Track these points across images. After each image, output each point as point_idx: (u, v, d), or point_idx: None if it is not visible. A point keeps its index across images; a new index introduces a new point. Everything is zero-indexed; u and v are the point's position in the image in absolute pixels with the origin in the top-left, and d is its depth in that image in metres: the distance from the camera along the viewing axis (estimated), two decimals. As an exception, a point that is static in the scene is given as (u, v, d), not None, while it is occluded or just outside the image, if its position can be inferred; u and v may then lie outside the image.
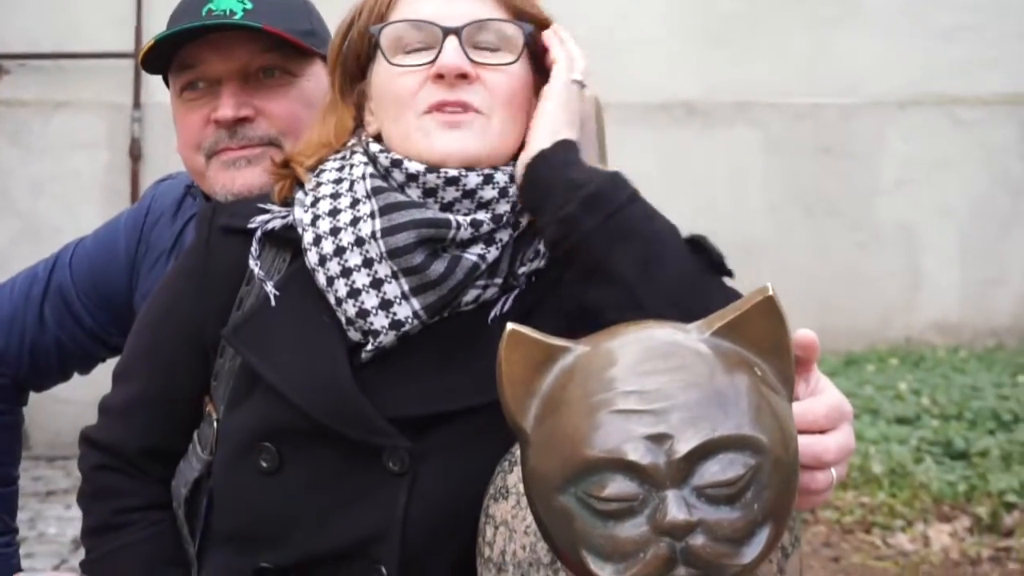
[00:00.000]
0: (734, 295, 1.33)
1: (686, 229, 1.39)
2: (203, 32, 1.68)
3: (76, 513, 4.75)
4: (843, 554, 3.71)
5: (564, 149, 1.36)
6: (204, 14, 1.68)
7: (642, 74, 6.98)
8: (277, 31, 1.67)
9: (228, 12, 1.68)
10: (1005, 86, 7.68)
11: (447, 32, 1.36)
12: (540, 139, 1.37)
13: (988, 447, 4.63)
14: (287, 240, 1.42)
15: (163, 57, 1.74)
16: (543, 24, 1.45)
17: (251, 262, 1.41)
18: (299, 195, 1.42)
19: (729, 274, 1.39)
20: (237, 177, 1.69)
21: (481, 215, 1.36)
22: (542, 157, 1.35)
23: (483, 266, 1.36)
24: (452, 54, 1.35)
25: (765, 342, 1.07)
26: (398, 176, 1.37)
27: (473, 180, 1.36)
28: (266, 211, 1.43)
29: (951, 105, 7.74)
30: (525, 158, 1.37)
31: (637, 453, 1.00)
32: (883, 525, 3.93)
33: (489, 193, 1.37)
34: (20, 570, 1.88)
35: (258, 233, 1.42)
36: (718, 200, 7.07)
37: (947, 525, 3.87)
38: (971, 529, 3.85)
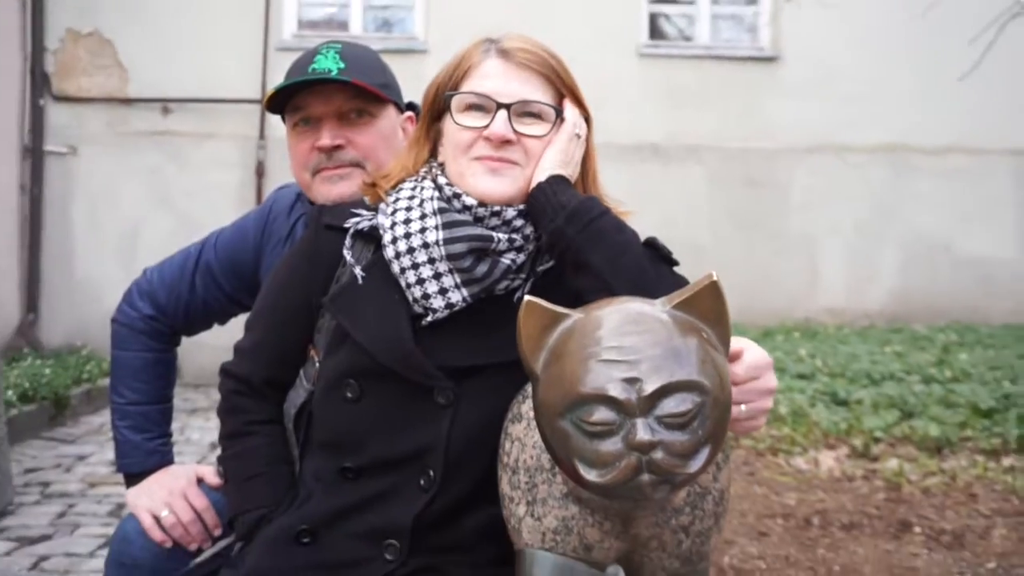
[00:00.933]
0: (679, 279, 1.34)
1: (646, 235, 1.40)
2: (309, 84, 1.68)
3: (213, 425, 4.80)
4: (756, 471, 3.70)
5: (555, 181, 1.36)
6: (310, 71, 1.68)
7: (619, 123, 6.95)
8: (363, 84, 1.66)
9: (327, 70, 1.67)
10: (882, 138, 7.65)
11: (500, 106, 1.35)
12: (539, 175, 1.37)
13: (862, 397, 4.62)
14: (371, 237, 1.41)
15: (281, 101, 1.73)
16: (573, 87, 1.43)
17: (345, 251, 1.41)
18: (382, 205, 1.42)
19: (675, 263, 1.40)
20: (333, 189, 1.68)
21: (514, 235, 1.36)
22: (539, 188, 1.36)
23: (514, 267, 1.36)
24: (500, 125, 1.35)
25: (711, 314, 1.07)
26: (457, 204, 1.36)
27: (510, 213, 1.36)
28: (357, 215, 1.43)
29: (843, 151, 7.71)
30: (530, 188, 1.37)
31: (616, 391, 1.00)
32: (786, 451, 3.92)
33: (520, 221, 1.37)
34: (173, 462, 1.88)
35: (351, 231, 1.42)
36: (675, 217, 7.06)
37: (832, 452, 3.87)
38: (849, 455, 3.84)
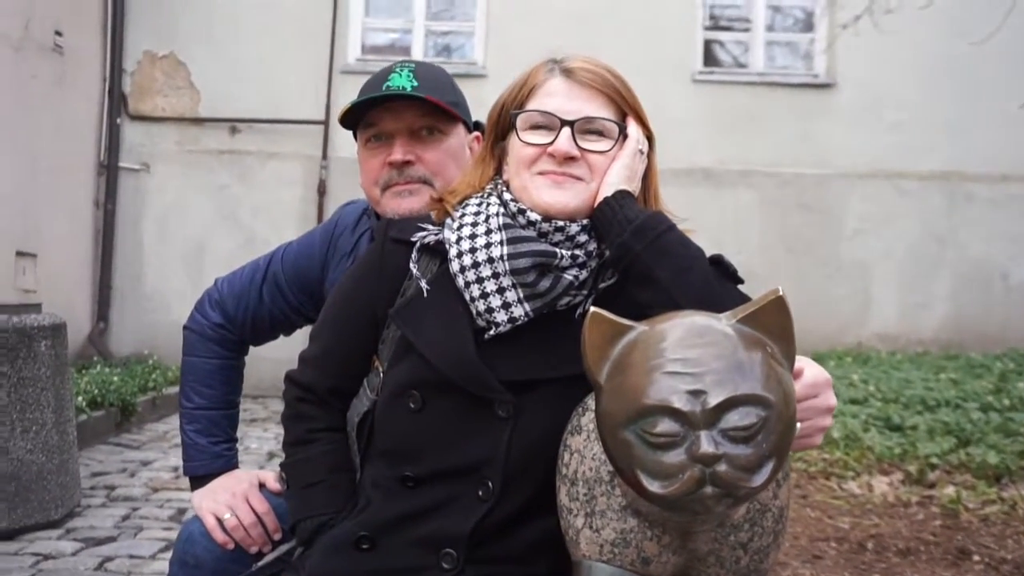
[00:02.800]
0: (743, 297, 1.31)
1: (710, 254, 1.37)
2: (383, 101, 1.69)
3: (271, 435, 4.84)
4: (809, 494, 3.62)
5: (621, 196, 1.35)
6: (384, 88, 1.69)
7: (673, 148, 6.91)
8: (435, 100, 1.67)
9: (402, 87, 1.68)
10: (935, 165, 7.52)
11: (563, 123, 1.35)
12: (605, 190, 1.36)
13: (917, 423, 4.50)
14: (437, 251, 1.41)
15: (354, 118, 1.75)
16: (636, 107, 1.42)
17: (411, 265, 1.41)
18: (448, 220, 1.42)
19: (740, 281, 1.37)
20: (402, 204, 1.69)
21: (577, 251, 1.35)
22: (606, 202, 1.34)
23: (576, 283, 1.35)
24: (564, 142, 1.35)
25: (775, 328, 1.05)
26: (521, 219, 1.36)
27: (574, 229, 1.35)
28: (424, 229, 1.43)
29: (896, 178, 7.57)
30: (596, 203, 1.36)
31: (680, 402, 0.98)
32: (839, 475, 3.83)
33: (583, 237, 1.36)
34: (238, 467, 1.89)
35: (417, 244, 1.42)
36: (726, 241, 6.98)
37: (886, 477, 3.77)
38: (903, 481, 3.74)
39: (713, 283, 1.30)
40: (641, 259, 1.30)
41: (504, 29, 7.38)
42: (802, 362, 1.22)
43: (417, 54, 7.71)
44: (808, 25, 7.90)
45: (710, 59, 7.90)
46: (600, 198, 1.35)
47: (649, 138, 1.43)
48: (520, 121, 1.39)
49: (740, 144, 7.53)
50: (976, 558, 2.86)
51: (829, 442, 4.14)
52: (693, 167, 7.35)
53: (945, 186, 7.54)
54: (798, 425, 1.19)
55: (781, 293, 1.05)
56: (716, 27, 7.99)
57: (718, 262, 1.36)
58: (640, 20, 7.43)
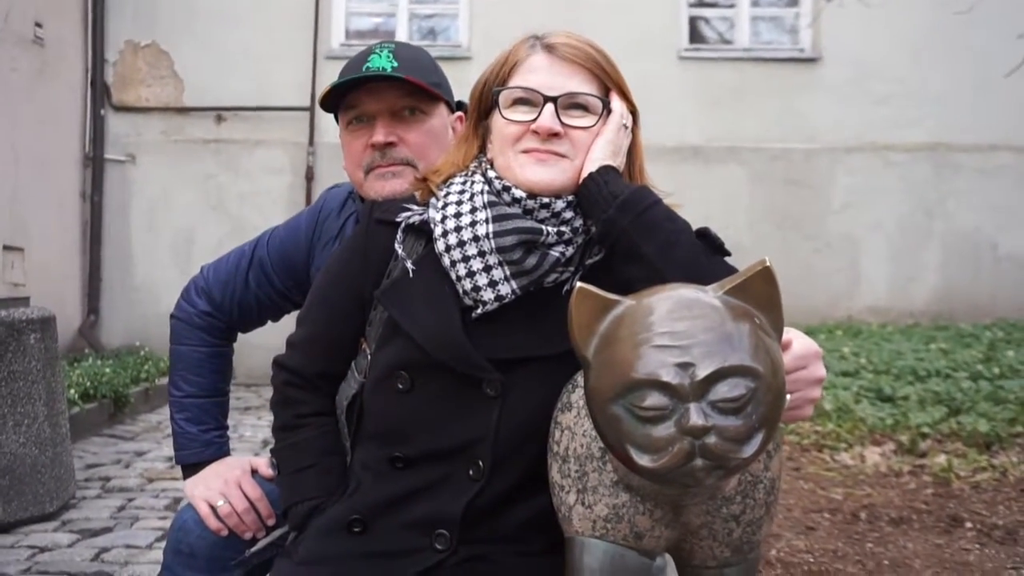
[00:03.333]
0: (730, 269, 1.30)
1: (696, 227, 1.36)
2: (364, 82, 1.67)
3: (265, 423, 4.85)
4: (801, 466, 3.64)
5: (605, 171, 1.33)
6: (365, 69, 1.67)
7: (660, 126, 6.91)
8: (416, 81, 1.65)
9: (381, 68, 1.66)
10: (921, 137, 7.52)
11: (547, 99, 1.34)
12: (590, 165, 1.34)
13: (908, 393, 4.52)
14: (422, 231, 1.39)
15: (335, 101, 1.73)
16: (620, 83, 1.40)
17: (397, 246, 1.39)
18: (432, 200, 1.40)
19: (727, 253, 1.36)
20: (386, 186, 1.67)
21: (563, 227, 1.34)
22: (591, 178, 1.33)
23: (562, 260, 1.34)
24: (548, 118, 1.33)
25: (763, 299, 1.04)
26: (506, 196, 1.35)
27: (559, 205, 1.34)
28: (408, 210, 1.42)
29: (883, 150, 7.58)
30: (581, 178, 1.34)
31: (669, 375, 0.98)
32: (831, 447, 3.84)
33: (569, 213, 1.35)
34: (229, 454, 1.88)
35: (402, 225, 1.41)
36: (715, 217, 6.97)
37: (878, 448, 3.78)
38: (895, 451, 3.76)
39: (700, 256, 1.29)
40: (627, 234, 1.29)
41: (488, 11, 7.33)
42: (791, 334, 1.22)
43: (401, 37, 7.65)
44: (793, -1, 7.88)
45: (696, 36, 7.87)
46: (585, 174, 1.34)
47: (633, 113, 1.41)
48: (502, 98, 1.37)
49: (727, 120, 7.52)
50: (968, 525, 2.88)
51: (821, 414, 4.15)
52: (681, 144, 7.34)
53: (933, 157, 7.54)
54: (788, 396, 1.19)
55: (768, 264, 1.04)
56: (701, 3, 7.95)
57: (704, 235, 1.35)
58: (625, -1, 7.39)
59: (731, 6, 7.89)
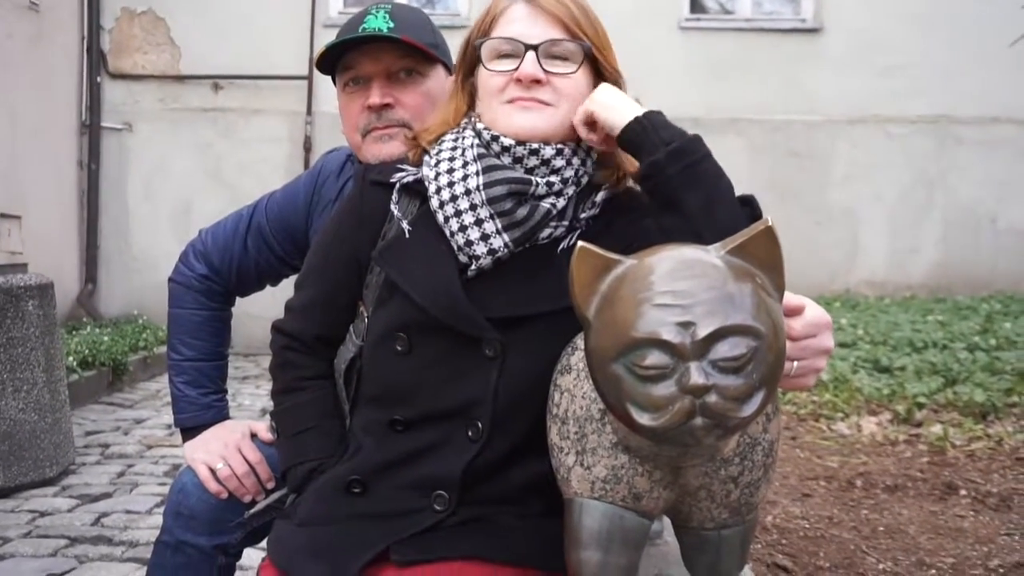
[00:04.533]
0: None
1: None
2: (360, 43, 1.65)
3: (264, 392, 4.87)
4: (798, 435, 3.65)
5: (656, 114, 1.32)
6: (360, 30, 1.66)
7: (660, 97, 6.83)
8: (412, 41, 1.63)
9: (377, 29, 1.65)
10: (923, 109, 7.47)
11: (527, 47, 1.33)
12: (630, 108, 1.31)
13: (905, 364, 4.53)
14: (417, 191, 1.39)
15: (331, 61, 1.71)
16: (601, 43, 1.38)
17: (392, 206, 1.39)
18: (426, 158, 1.40)
19: None
20: (383, 148, 1.66)
21: (552, 177, 1.33)
22: (638, 120, 1.30)
23: (554, 212, 1.33)
24: (530, 65, 1.32)
25: (765, 259, 1.03)
26: (495, 147, 1.34)
27: (548, 152, 1.33)
28: (402, 170, 1.41)
29: (884, 123, 7.53)
30: (625, 118, 1.30)
31: (670, 334, 0.97)
32: (828, 416, 3.86)
33: (559, 162, 1.33)
34: (229, 418, 1.89)
35: (397, 185, 1.40)
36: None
37: (874, 417, 3.80)
38: (891, 420, 3.77)
39: (739, 221, 1.25)
40: (672, 181, 1.27)
41: (488, -22, 7.26)
42: (805, 301, 1.21)
43: (400, 5, 7.58)
44: (795, -31, 7.81)
45: (696, 6, 7.79)
46: (629, 114, 1.31)
47: (617, 81, 1.39)
48: (485, 51, 1.37)
49: (728, 91, 7.47)
50: (963, 492, 2.90)
51: (818, 384, 4.16)
52: (681, 115, 7.18)
53: (934, 130, 7.50)
54: (794, 364, 1.19)
55: (770, 223, 1.04)
56: (702, -28, 7.88)
57: (748, 202, 1.34)
58: (625, -34, 7.31)
59: (733, -25, 7.82)
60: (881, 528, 2.59)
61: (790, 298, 1.16)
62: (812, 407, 3.95)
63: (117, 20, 7.45)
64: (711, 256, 1.03)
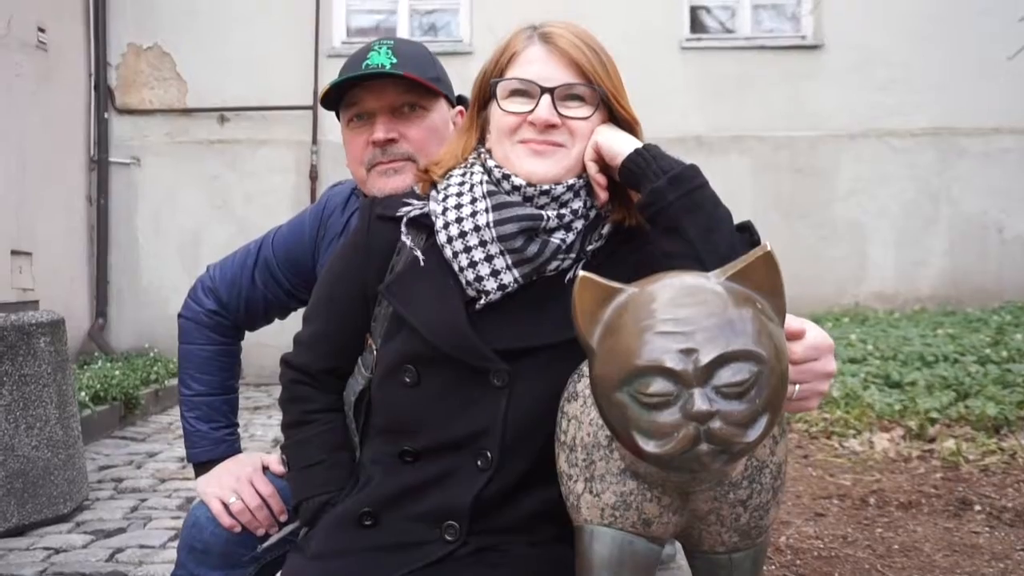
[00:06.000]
0: None
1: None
2: (363, 79, 1.68)
3: (275, 422, 4.87)
4: (810, 454, 3.64)
5: (653, 147, 1.34)
6: (364, 67, 1.68)
7: (664, 117, 6.90)
8: (415, 77, 1.65)
9: (380, 65, 1.67)
10: (925, 122, 7.50)
11: (543, 91, 1.34)
12: (631, 142, 1.33)
13: (916, 379, 4.51)
14: (423, 225, 1.40)
15: (335, 98, 1.74)
16: (616, 89, 1.39)
17: (404, 237, 1.40)
18: (433, 193, 1.41)
19: None
20: (388, 182, 1.68)
21: (563, 211, 1.35)
22: (637, 153, 1.32)
23: (564, 246, 1.34)
24: (545, 110, 1.34)
25: (765, 285, 1.04)
26: (506, 185, 1.35)
27: (560, 190, 1.35)
28: (408, 204, 1.42)
29: (888, 137, 7.55)
30: (625, 150, 1.32)
31: (673, 362, 0.98)
32: (840, 434, 3.84)
33: (568, 196, 1.35)
34: (240, 452, 1.89)
35: (405, 219, 1.41)
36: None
37: (886, 434, 3.77)
38: (904, 436, 3.75)
39: (737, 246, 1.27)
40: (672, 208, 1.28)
41: (489, 5, 7.33)
42: (806, 324, 1.21)
43: (403, 34, 7.65)
44: (794, -13, 7.86)
45: (697, 26, 7.84)
46: (629, 147, 1.32)
47: (633, 127, 1.39)
48: (500, 89, 1.38)
49: (731, 110, 7.50)
50: (977, 508, 2.88)
51: (829, 401, 4.15)
52: (685, 135, 7.32)
53: (937, 142, 7.51)
54: (797, 387, 1.19)
55: (769, 249, 1.04)
56: (701, -7, 7.93)
57: (746, 228, 1.36)
58: (625, -11, 7.37)
59: (732, -5, 7.87)
60: (896, 546, 2.57)
61: (791, 321, 1.17)
62: (824, 424, 3.93)
63: (123, 56, 7.54)
64: (711, 283, 1.04)
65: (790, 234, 7.33)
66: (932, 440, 3.69)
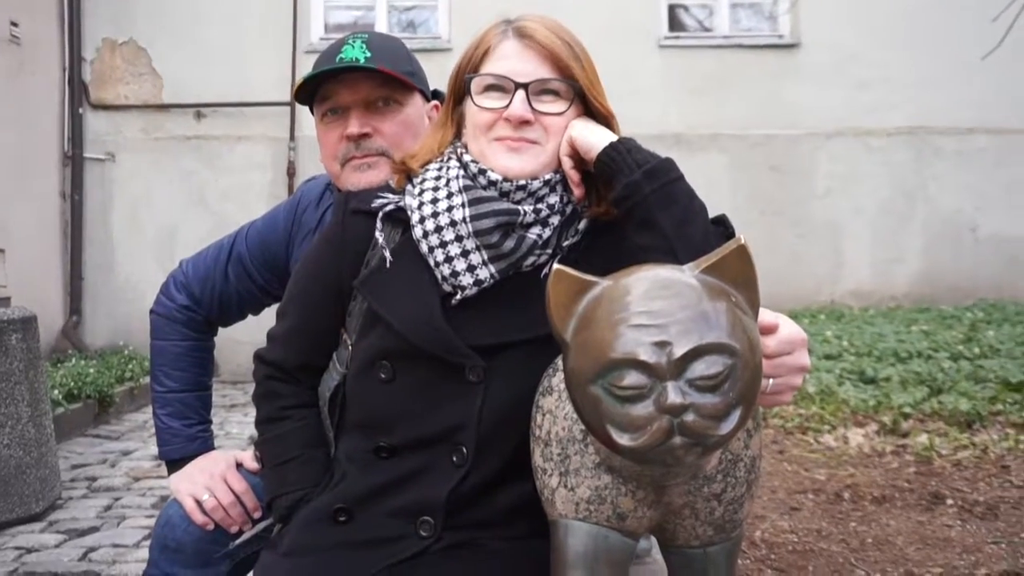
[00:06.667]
0: None
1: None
2: (337, 73, 1.66)
3: (251, 419, 4.82)
4: (786, 449, 3.66)
5: (629, 140, 1.33)
6: (338, 61, 1.66)
7: (642, 115, 6.92)
8: (390, 71, 1.64)
9: (354, 59, 1.65)
10: (901, 121, 7.56)
11: (518, 86, 1.33)
12: (606, 135, 1.33)
13: (890, 375, 4.56)
14: (399, 219, 1.39)
15: (310, 92, 1.72)
16: (591, 82, 1.38)
17: (377, 234, 1.38)
18: (408, 187, 1.40)
19: None
20: (362, 177, 1.66)
21: (540, 205, 1.34)
22: (612, 147, 1.31)
23: (540, 242, 1.33)
24: (519, 105, 1.33)
25: (739, 277, 1.04)
26: (482, 180, 1.34)
27: (536, 185, 1.34)
28: (383, 198, 1.41)
29: (864, 136, 7.61)
30: (600, 144, 1.32)
31: (646, 354, 0.97)
32: (815, 429, 3.87)
33: (545, 192, 1.34)
34: (213, 449, 1.88)
35: (381, 213, 1.40)
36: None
37: (861, 429, 3.81)
38: (878, 431, 3.79)
39: (712, 239, 1.27)
40: (647, 201, 1.28)
41: (467, 2, 7.31)
42: (780, 319, 1.21)
43: (381, 30, 7.62)
44: (771, -14, 7.90)
45: (675, 24, 7.87)
46: (604, 140, 1.32)
47: (609, 121, 1.38)
48: (474, 85, 1.37)
49: (709, 108, 7.53)
50: (949, 501, 2.91)
51: (804, 397, 4.18)
52: (663, 132, 7.34)
53: (912, 141, 7.59)
54: (770, 381, 1.19)
55: (743, 242, 1.04)
56: (679, -9, 7.96)
57: (720, 222, 1.35)
58: (603, -13, 7.39)
59: (710, -7, 7.91)
60: (869, 540, 2.59)
61: (765, 315, 1.17)
62: (799, 420, 3.96)
63: (99, 51, 7.46)
64: (686, 276, 1.03)
65: (767, 231, 7.37)
66: (906, 435, 3.72)
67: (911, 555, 2.47)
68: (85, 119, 7.41)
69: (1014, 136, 7.54)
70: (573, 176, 1.36)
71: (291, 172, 7.33)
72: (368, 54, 1.65)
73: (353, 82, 1.66)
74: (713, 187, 7.42)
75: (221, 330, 1.97)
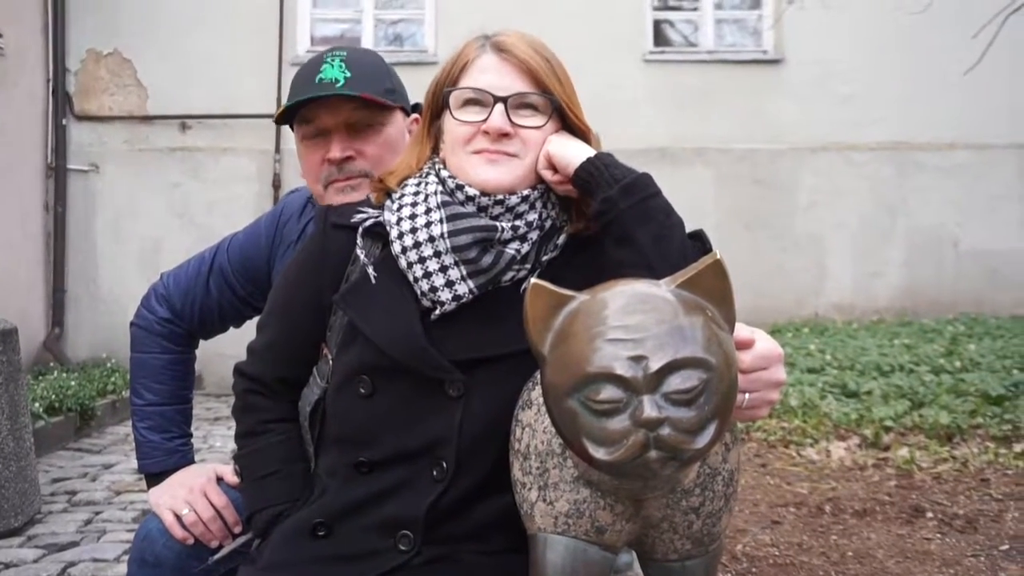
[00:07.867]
0: None
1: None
2: (317, 98, 1.66)
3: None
4: (768, 462, 3.67)
5: (607, 156, 1.34)
6: (317, 82, 1.65)
7: (627, 127, 6.96)
8: (371, 97, 1.64)
9: (333, 80, 1.64)
10: (884, 136, 7.64)
11: (496, 100, 1.34)
12: (583, 150, 1.34)
13: (872, 388, 4.58)
14: (378, 234, 1.39)
15: (290, 114, 1.72)
16: (569, 97, 1.39)
17: (358, 250, 1.38)
18: (387, 203, 1.40)
19: None
20: (345, 199, 1.65)
21: (518, 222, 1.34)
22: (590, 162, 1.32)
23: (518, 257, 1.34)
24: (498, 118, 1.33)
25: (715, 292, 1.05)
26: (460, 195, 1.34)
27: (514, 200, 1.34)
28: (363, 212, 1.41)
29: (847, 150, 7.67)
30: (578, 159, 1.33)
31: (622, 369, 0.98)
32: (797, 443, 3.89)
33: (523, 207, 1.35)
34: (194, 462, 1.87)
35: (360, 228, 1.40)
36: (683, 218, 7.01)
37: (843, 442, 3.83)
38: (860, 445, 3.80)
39: (689, 254, 1.28)
40: (624, 217, 1.29)
41: (454, 15, 7.34)
42: (756, 334, 1.21)
43: (367, 44, 7.64)
44: (755, 2, 7.97)
45: (660, 39, 7.93)
46: (582, 155, 1.33)
47: (586, 135, 1.39)
48: (453, 99, 1.37)
49: (693, 122, 7.59)
50: (930, 515, 2.92)
51: (787, 410, 4.19)
52: (649, 147, 7.38)
53: (895, 156, 7.66)
54: (746, 396, 1.20)
55: (718, 257, 1.05)
56: (665, 7, 8.02)
57: (698, 236, 1.36)
58: (590, 3, 7.43)
59: (695, 9, 7.96)
60: (850, 553, 2.60)
61: (741, 331, 1.17)
62: (781, 433, 3.97)
63: (83, 62, 7.44)
64: (662, 290, 1.04)
65: (751, 245, 7.41)
66: (887, 448, 3.74)
67: (891, 568, 2.48)
68: (69, 130, 7.38)
69: (995, 151, 7.62)
70: (555, 180, 1.37)
71: (276, 184, 7.32)
72: (348, 74, 1.65)
73: (334, 104, 1.65)
74: (698, 201, 7.47)
75: (206, 343, 1.96)
